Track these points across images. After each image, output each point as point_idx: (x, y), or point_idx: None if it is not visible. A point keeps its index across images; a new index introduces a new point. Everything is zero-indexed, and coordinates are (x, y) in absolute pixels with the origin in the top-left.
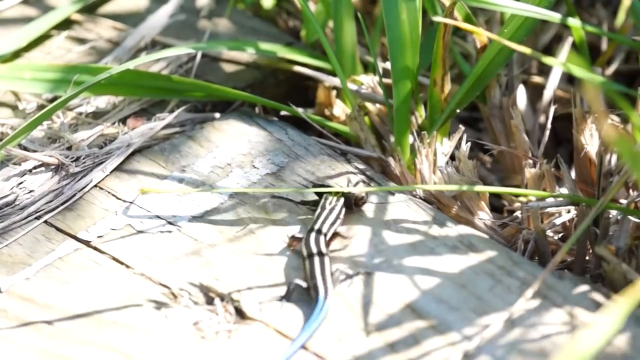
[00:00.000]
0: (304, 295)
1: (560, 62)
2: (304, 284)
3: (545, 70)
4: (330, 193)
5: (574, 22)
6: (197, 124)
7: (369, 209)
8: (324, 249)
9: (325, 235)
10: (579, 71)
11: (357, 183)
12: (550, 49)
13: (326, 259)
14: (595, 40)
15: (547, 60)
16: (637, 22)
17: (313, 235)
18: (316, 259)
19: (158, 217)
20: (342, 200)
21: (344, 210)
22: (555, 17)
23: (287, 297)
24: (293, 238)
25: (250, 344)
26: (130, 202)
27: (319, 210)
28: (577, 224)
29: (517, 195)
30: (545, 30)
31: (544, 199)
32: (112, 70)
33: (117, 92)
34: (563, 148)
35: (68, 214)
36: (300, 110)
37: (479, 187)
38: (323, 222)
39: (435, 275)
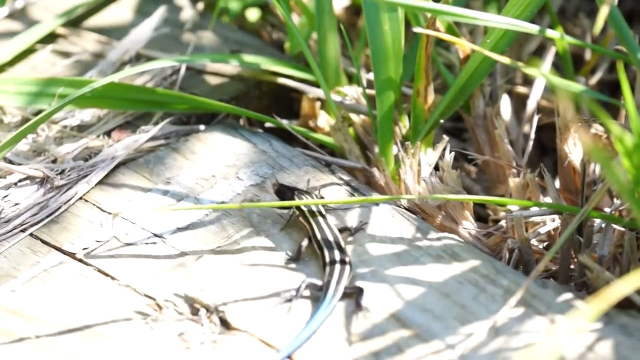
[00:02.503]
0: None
1: (539, 72)
2: (318, 283)
3: (529, 80)
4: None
5: (553, 33)
6: (182, 136)
7: (352, 219)
8: (346, 258)
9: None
10: (556, 81)
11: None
12: (536, 58)
13: (346, 267)
14: (580, 49)
15: (527, 70)
16: (617, 32)
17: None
18: (337, 266)
19: (143, 228)
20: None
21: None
22: (533, 29)
23: (297, 296)
24: (309, 283)
25: (235, 354)
26: (110, 213)
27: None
28: (561, 232)
29: (501, 205)
30: (530, 40)
31: (528, 208)
32: (96, 83)
33: (102, 105)
34: (548, 157)
35: (53, 227)
36: (284, 121)
37: (462, 197)
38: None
39: (419, 285)
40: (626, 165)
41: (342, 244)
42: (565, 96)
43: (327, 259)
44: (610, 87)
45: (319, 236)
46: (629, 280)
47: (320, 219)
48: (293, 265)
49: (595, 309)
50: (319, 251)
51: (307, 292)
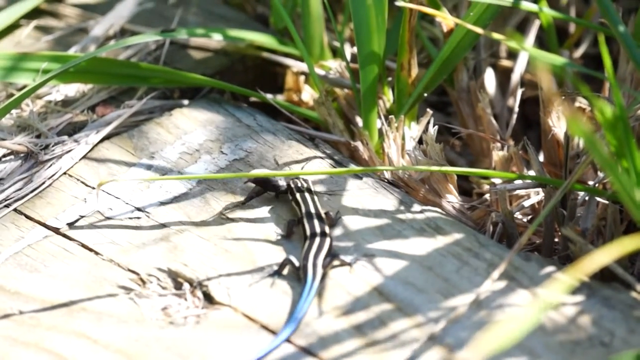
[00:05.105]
0: (295, 273)
1: (520, 45)
2: (296, 263)
3: (514, 54)
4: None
5: (533, 6)
6: (166, 110)
7: (336, 193)
8: (326, 229)
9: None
10: (536, 53)
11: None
12: (520, 31)
13: (326, 241)
14: (564, 23)
15: (509, 43)
16: (599, 5)
17: (313, 218)
18: (317, 240)
19: (127, 203)
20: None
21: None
22: (515, 2)
23: (278, 273)
24: (289, 262)
25: (218, 328)
26: (93, 188)
27: (299, 201)
28: (545, 205)
29: (485, 178)
30: (514, 13)
31: (512, 182)
32: (80, 58)
33: (86, 80)
34: (532, 131)
35: (37, 202)
36: (268, 96)
37: (445, 168)
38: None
39: (402, 258)
40: (608, 138)
41: (323, 216)
42: (544, 69)
43: (308, 232)
44: (596, 60)
45: (302, 209)
46: (607, 250)
47: (307, 194)
48: (276, 240)
49: (573, 279)
50: (302, 224)
51: (288, 268)
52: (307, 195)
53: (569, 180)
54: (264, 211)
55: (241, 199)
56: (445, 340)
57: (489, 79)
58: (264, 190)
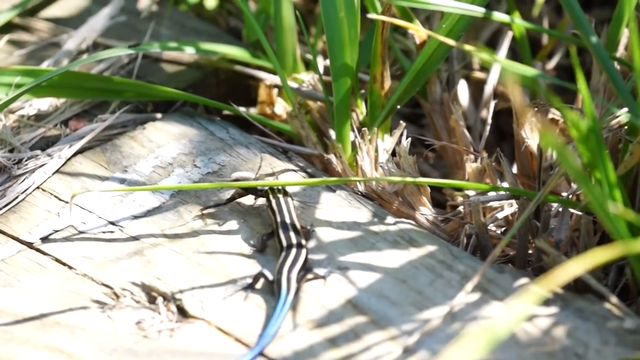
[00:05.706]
0: (269, 287)
1: (491, 57)
2: (270, 277)
3: (487, 66)
4: (272, 191)
5: (505, 17)
6: (139, 124)
7: (310, 205)
8: (302, 242)
9: (296, 228)
10: (507, 65)
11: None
12: (493, 43)
13: (301, 254)
14: (538, 34)
15: (479, 55)
16: (570, 16)
17: (289, 229)
18: (292, 252)
19: (100, 217)
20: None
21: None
22: (487, 13)
23: (252, 287)
24: (262, 275)
25: (192, 342)
26: (67, 202)
27: (275, 209)
28: (519, 217)
29: (459, 190)
30: (487, 25)
31: (485, 193)
32: (53, 72)
33: (59, 94)
34: (506, 143)
35: (10, 216)
36: (241, 109)
37: (418, 179)
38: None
39: (375, 271)
40: (581, 149)
41: (299, 227)
42: (513, 81)
43: (284, 243)
44: (569, 71)
45: (278, 218)
46: (580, 261)
47: (282, 201)
48: (250, 253)
49: (545, 290)
50: (277, 235)
51: (262, 281)
52: (283, 203)
53: (542, 191)
54: (237, 224)
55: (214, 212)
56: (419, 353)
57: (462, 90)
58: (246, 192)
